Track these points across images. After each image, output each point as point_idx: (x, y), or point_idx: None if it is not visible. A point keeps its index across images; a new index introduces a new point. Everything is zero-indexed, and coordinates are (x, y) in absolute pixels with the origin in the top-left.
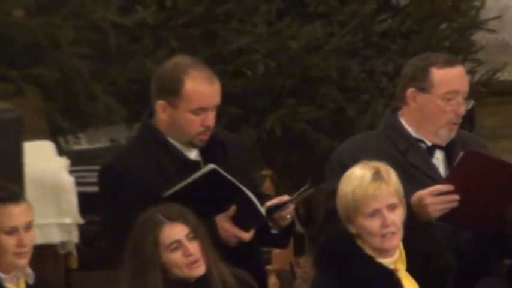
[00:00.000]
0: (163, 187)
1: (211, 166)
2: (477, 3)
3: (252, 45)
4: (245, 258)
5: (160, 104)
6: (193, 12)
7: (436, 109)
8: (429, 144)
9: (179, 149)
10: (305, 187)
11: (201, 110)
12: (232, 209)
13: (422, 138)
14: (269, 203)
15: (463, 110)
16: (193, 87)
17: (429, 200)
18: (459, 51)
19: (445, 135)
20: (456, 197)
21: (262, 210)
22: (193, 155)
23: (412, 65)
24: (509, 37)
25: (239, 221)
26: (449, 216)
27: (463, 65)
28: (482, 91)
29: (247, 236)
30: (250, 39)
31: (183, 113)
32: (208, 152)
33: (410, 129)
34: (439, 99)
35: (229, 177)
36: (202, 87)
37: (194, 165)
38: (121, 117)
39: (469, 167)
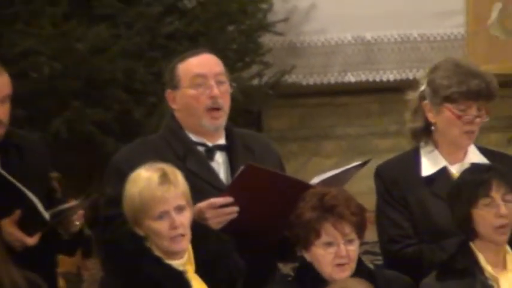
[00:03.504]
0: None
1: None
2: (264, 6)
3: (37, 47)
4: (35, 262)
5: None
6: None
7: (188, 100)
8: (210, 145)
9: None
10: (89, 192)
11: None
12: (17, 213)
13: (202, 140)
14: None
15: (216, 91)
16: None
17: (209, 214)
18: (246, 53)
19: (209, 126)
20: (235, 208)
21: (46, 214)
22: None
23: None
24: (297, 39)
25: (24, 226)
26: (230, 227)
27: (210, 53)
28: (269, 94)
29: (31, 240)
30: (36, 41)
31: None
32: (3, 153)
33: (190, 133)
34: (187, 89)
35: (12, 179)
36: None
37: None
38: None
39: (249, 179)
